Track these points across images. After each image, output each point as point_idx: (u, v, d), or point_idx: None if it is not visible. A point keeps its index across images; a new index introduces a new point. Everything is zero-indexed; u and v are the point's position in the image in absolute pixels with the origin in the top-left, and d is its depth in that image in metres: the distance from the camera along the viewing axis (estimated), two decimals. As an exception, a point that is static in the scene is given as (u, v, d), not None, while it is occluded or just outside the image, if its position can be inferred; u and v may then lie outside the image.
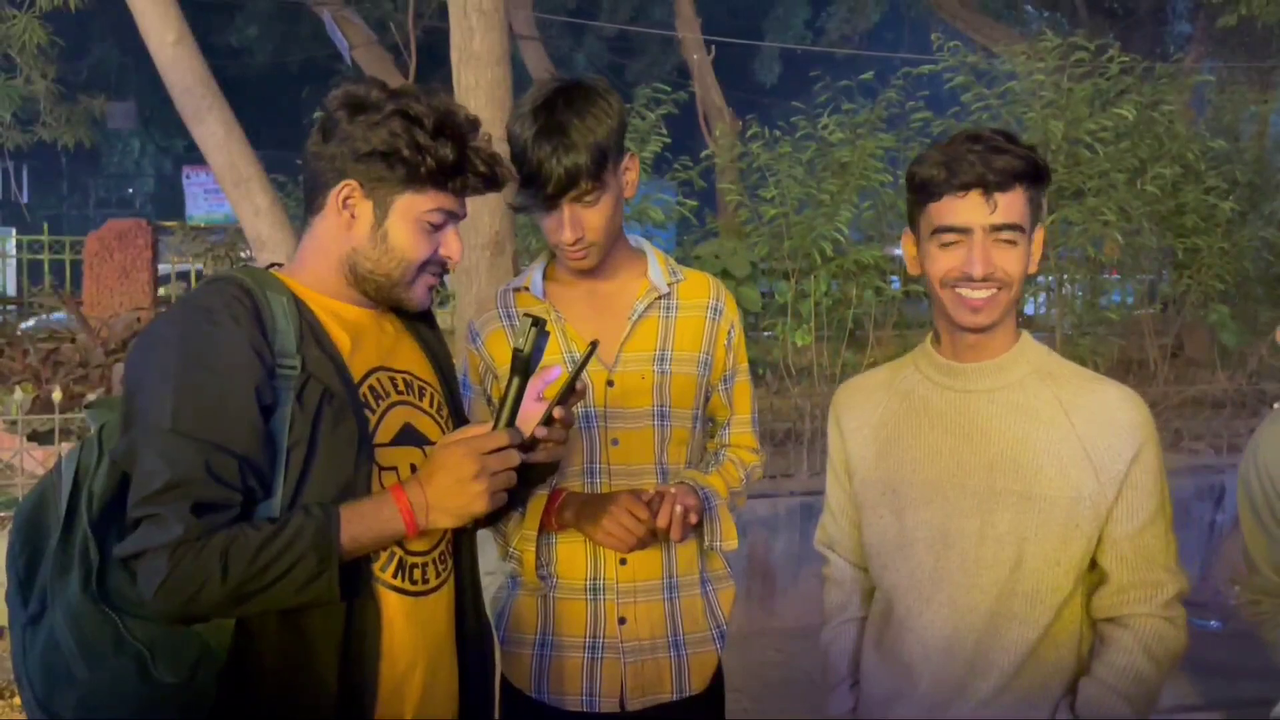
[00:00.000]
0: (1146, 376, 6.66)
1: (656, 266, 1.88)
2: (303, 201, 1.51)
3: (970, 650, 1.53)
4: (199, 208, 20.05)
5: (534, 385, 1.51)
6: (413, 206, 1.43)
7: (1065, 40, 6.31)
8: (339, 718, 1.36)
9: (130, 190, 24.61)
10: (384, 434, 1.43)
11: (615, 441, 1.82)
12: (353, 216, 1.43)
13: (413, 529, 1.36)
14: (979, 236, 1.49)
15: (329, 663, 1.35)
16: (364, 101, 1.42)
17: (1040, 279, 6.72)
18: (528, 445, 1.46)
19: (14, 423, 4.83)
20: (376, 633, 1.39)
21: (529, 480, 1.56)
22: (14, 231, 14.14)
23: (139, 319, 7.70)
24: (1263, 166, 6.99)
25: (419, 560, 1.46)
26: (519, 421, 1.45)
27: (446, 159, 1.41)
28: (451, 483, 1.36)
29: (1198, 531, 5.21)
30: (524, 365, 1.42)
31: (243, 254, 9.49)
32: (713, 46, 10.27)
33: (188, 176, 20.86)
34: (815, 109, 6.41)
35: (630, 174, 1.80)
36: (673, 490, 1.75)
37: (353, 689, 1.37)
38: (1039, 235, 1.56)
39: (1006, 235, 1.49)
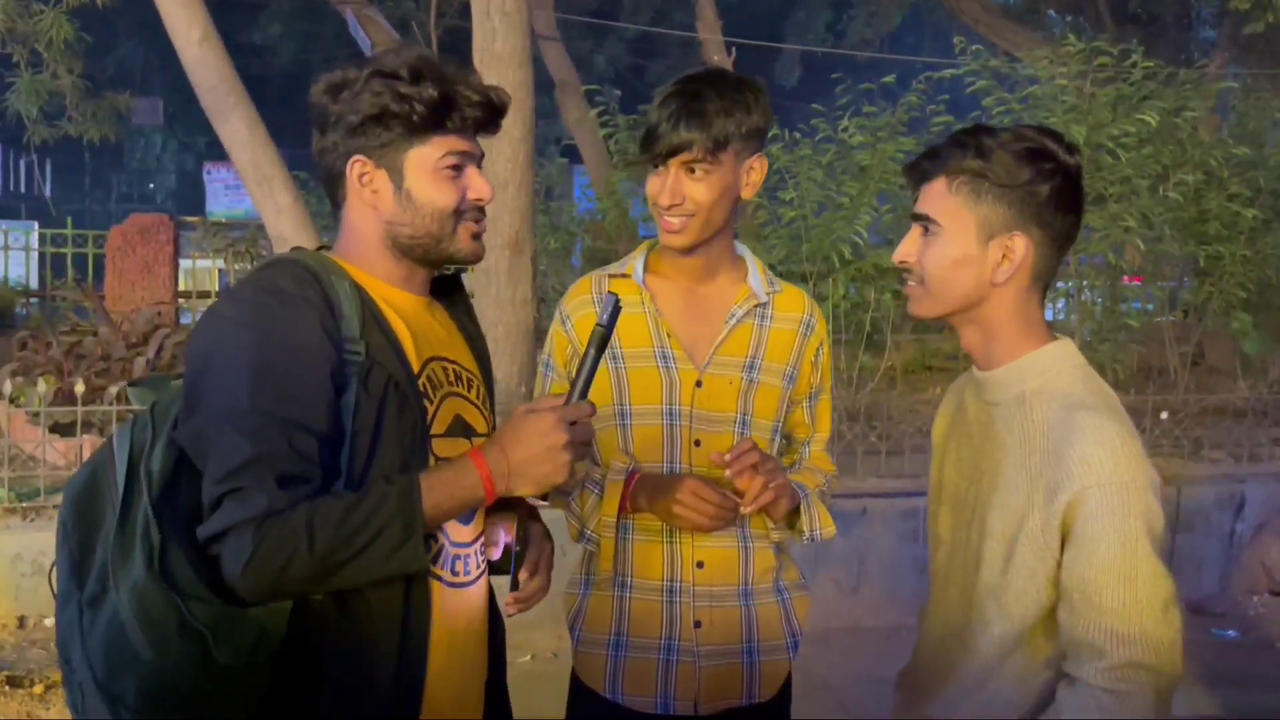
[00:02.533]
0: (1167, 384, 6.62)
1: (757, 275, 1.89)
2: (329, 201, 1.51)
3: (943, 659, 1.54)
4: (219, 203, 20.18)
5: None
6: (424, 158, 1.42)
7: (1088, 45, 6.28)
8: (391, 704, 1.38)
9: (151, 185, 24.80)
10: (439, 425, 1.44)
11: (698, 443, 1.81)
12: (374, 191, 1.44)
13: (492, 496, 1.37)
14: (912, 225, 1.51)
15: (386, 650, 1.36)
16: (341, 80, 1.43)
17: (1060, 284, 6.69)
18: None
19: (36, 414, 4.88)
20: (427, 622, 1.40)
21: None
22: (36, 225, 14.28)
23: (159, 313, 7.76)
24: (1287, 174, 6.92)
25: (462, 552, 1.47)
26: None
27: (433, 99, 1.40)
28: (542, 450, 1.36)
29: (1217, 541, 5.17)
30: (602, 339, 1.44)
31: (263, 251, 9.54)
32: (733, 49, 10.26)
33: (208, 172, 21.00)
34: (835, 112, 6.40)
35: (754, 175, 1.80)
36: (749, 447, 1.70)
37: (405, 677, 1.38)
38: (1011, 242, 1.43)
39: (926, 225, 1.48)
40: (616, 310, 1.45)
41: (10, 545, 4.24)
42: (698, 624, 1.81)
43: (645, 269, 1.87)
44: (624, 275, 1.87)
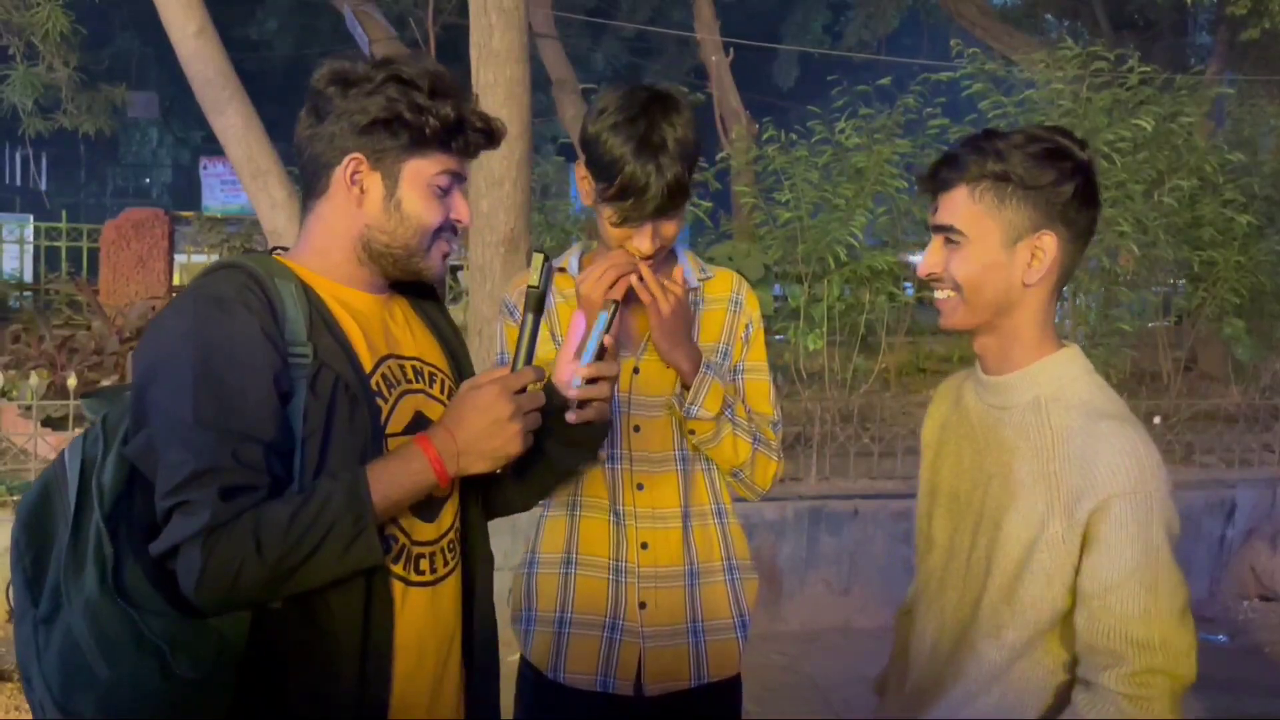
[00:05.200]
0: (1159, 389, 6.64)
1: (687, 263, 1.92)
2: (302, 187, 1.48)
3: (941, 664, 1.53)
4: (215, 198, 20.16)
5: (565, 349, 1.56)
6: (421, 171, 1.41)
7: (1085, 50, 6.29)
8: (357, 709, 1.36)
9: (147, 180, 24.75)
10: (396, 423, 1.41)
11: (637, 429, 1.83)
12: (362, 191, 1.41)
13: (444, 478, 1.35)
14: (933, 236, 1.50)
15: (348, 654, 1.34)
16: (353, 75, 1.39)
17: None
18: (568, 406, 1.49)
19: (28, 408, 4.87)
20: (390, 623, 1.38)
21: (579, 442, 1.57)
22: (31, 218, 14.24)
23: (154, 308, 7.74)
24: (1281, 181, 6.94)
25: (425, 550, 1.45)
26: (559, 380, 1.52)
27: (448, 118, 1.39)
28: (487, 424, 1.35)
29: (1207, 546, 5.20)
30: (538, 302, 1.44)
31: (258, 246, 9.53)
32: (731, 49, 10.27)
33: (204, 167, 20.97)
34: (832, 113, 6.40)
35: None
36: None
37: (369, 681, 1.37)
38: (1040, 242, 1.43)
39: (949, 236, 1.47)
40: (550, 271, 1.46)
41: (0, 538, 4.23)
42: (643, 605, 1.82)
43: (580, 267, 1.89)
44: (560, 269, 1.89)
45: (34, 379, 4.80)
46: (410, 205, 1.41)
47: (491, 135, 1.46)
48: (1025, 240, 1.43)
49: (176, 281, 9.53)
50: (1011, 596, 1.43)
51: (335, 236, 1.44)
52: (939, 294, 1.50)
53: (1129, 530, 1.36)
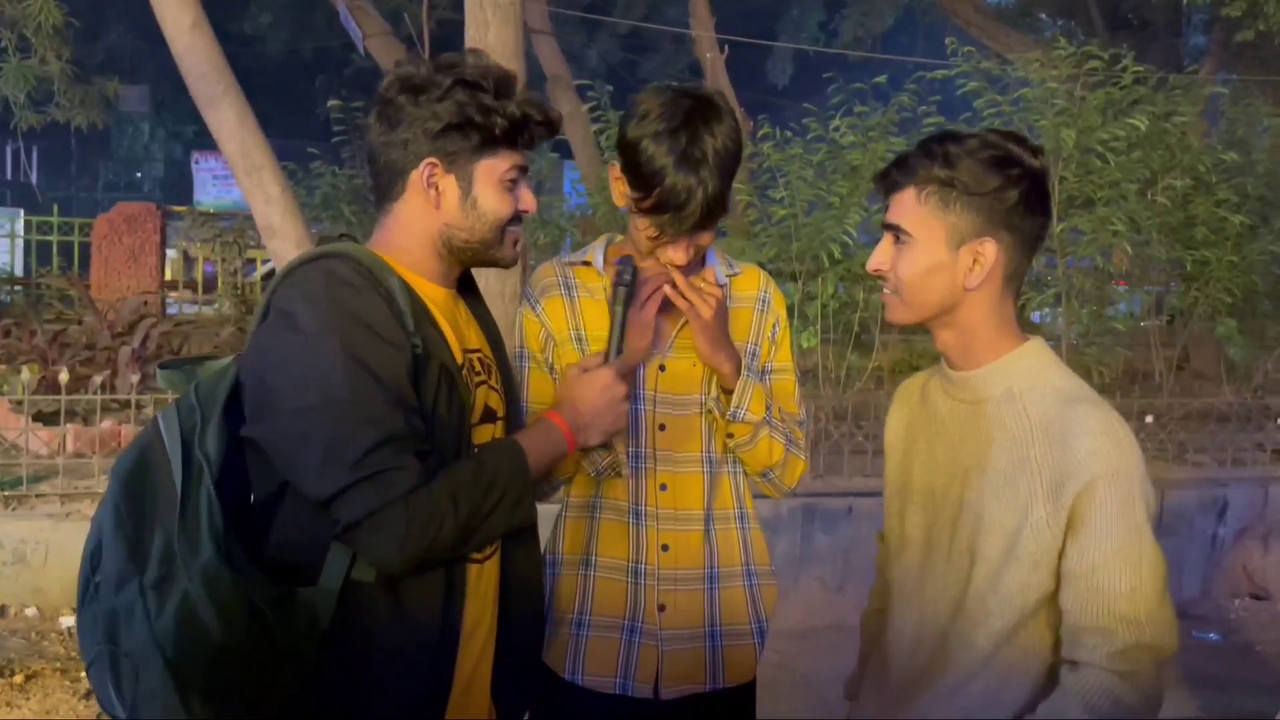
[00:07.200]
0: (1152, 388, 6.65)
1: (715, 260, 1.89)
2: (374, 192, 1.55)
3: (925, 657, 1.54)
4: (207, 193, 20.10)
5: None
6: (493, 169, 1.50)
7: (1079, 49, 6.29)
8: (433, 679, 1.45)
9: (139, 174, 24.62)
10: (475, 413, 1.51)
11: (663, 427, 1.81)
12: (438, 193, 1.48)
13: (573, 448, 1.55)
14: (885, 234, 1.53)
15: (427, 627, 1.42)
16: (421, 81, 1.46)
17: (1048, 287, 6.71)
18: None
19: (20, 403, 4.85)
20: (464, 598, 1.47)
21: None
22: (22, 212, 14.17)
23: (145, 302, 7.72)
24: (1275, 180, 6.94)
25: None
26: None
27: (514, 115, 1.48)
28: (606, 402, 1.56)
29: (1200, 544, 5.21)
30: (628, 297, 1.63)
31: (250, 242, 9.50)
32: (726, 46, 10.26)
33: (196, 162, 20.90)
34: (827, 111, 6.40)
35: None
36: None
37: (444, 650, 1.45)
38: (981, 248, 1.45)
39: (898, 235, 1.49)
40: (635, 269, 1.63)
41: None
42: (662, 607, 1.81)
43: (605, 260, 1.87)
44: (585, 263, 1.87)
45: (25, 374, 4.77)
46: (485, 202, 1.51)
47: (551, 125, 1.55)
48: (968, 245, 1.45)
49: (168, 276, 9.51)
50: (997, 584, 1.45)
51: (414, 236, 1.51)
52: (885, 290, 1.54)
53: (1113, 510, 1.39)
